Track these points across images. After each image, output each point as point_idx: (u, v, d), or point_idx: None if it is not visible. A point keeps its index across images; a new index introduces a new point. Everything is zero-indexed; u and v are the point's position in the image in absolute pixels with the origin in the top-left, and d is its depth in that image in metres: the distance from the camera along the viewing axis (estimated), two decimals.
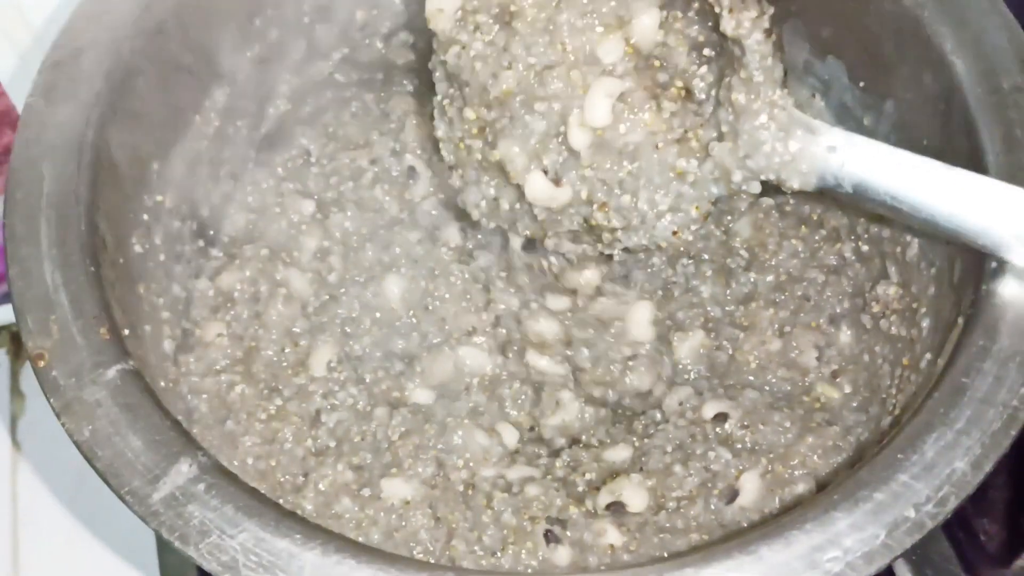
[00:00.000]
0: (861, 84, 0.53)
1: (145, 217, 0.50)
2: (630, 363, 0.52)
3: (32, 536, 0.67)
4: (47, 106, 0.45)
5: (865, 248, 0.54)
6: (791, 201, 0.57)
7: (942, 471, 0.37)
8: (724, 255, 0.57)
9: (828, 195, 0.44)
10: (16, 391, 0.73)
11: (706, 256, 0.56)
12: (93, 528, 0.67)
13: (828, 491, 0.37)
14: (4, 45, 0.61)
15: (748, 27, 0.43)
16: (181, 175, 0.53)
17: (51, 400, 0.39)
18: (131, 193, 0.49)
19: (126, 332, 0.42)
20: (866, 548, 0.35)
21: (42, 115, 0.45)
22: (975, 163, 0.44)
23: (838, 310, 0.54)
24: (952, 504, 0.36)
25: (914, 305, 0.49)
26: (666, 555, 0.46)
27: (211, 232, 0.55)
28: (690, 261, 0.56)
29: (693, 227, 0.46)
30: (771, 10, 0.43)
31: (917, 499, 0.36)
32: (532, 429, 0.52)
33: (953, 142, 0.46)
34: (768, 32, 0.43)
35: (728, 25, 0.43)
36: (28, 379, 0.73)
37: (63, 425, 0.38)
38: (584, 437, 0.51)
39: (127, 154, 0.48)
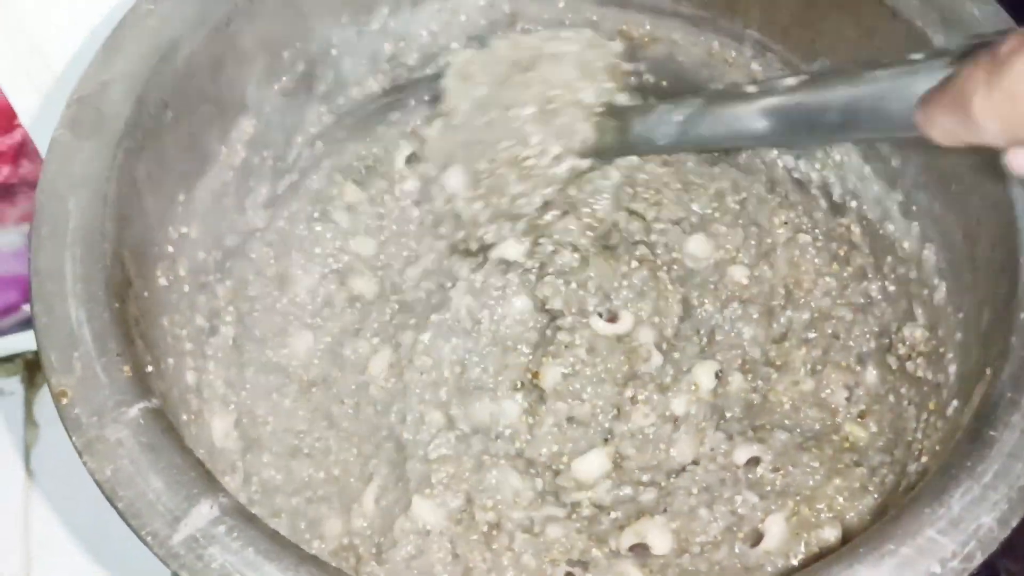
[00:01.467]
0: None
1: (170, 249, 0.50)
2: (674, 435, 0.53)
3: (45, 566, 0.69)
4: (73, 140, 0.45)
5: (892, 288, 0.54)
6: (820, 237, 0.58)
7: (968, 526, 0.37)
8: (769, 296, 0.57)
9: None
10: (30, 420, 0.74)
11: (756, 299, 0.57)
12: (107, 559, 0.69)
13: (854, 543, 0.37)
14: (26, 86, 0.62)
15: None
16: (207, 206, 0.53)
17: (73, 438, 0.39)
18: (156, 226, 0.49)
19: (149, 369, 0.43)
20: None
21: (68, 149, 0.45)
22: (1004, 206, 0.44)
23: (864, 349, 0.55)
24: (978, 560, 0.36)
25: (941, 349, 0.50)
26: None
27: (236, 262, 0.56)
28: (740, 305, 0.56)
29: None
30: None
31: (943, 554, 0.36)
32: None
33: (983, 185, 0.46)
34: None
35: None
36: (42, 408, 0.75)
37: (85, 464, 0.38)
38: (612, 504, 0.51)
39: (153, 187, 0.48)
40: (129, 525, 0.37)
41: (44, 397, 0.76)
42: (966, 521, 0.37)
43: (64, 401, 0.40)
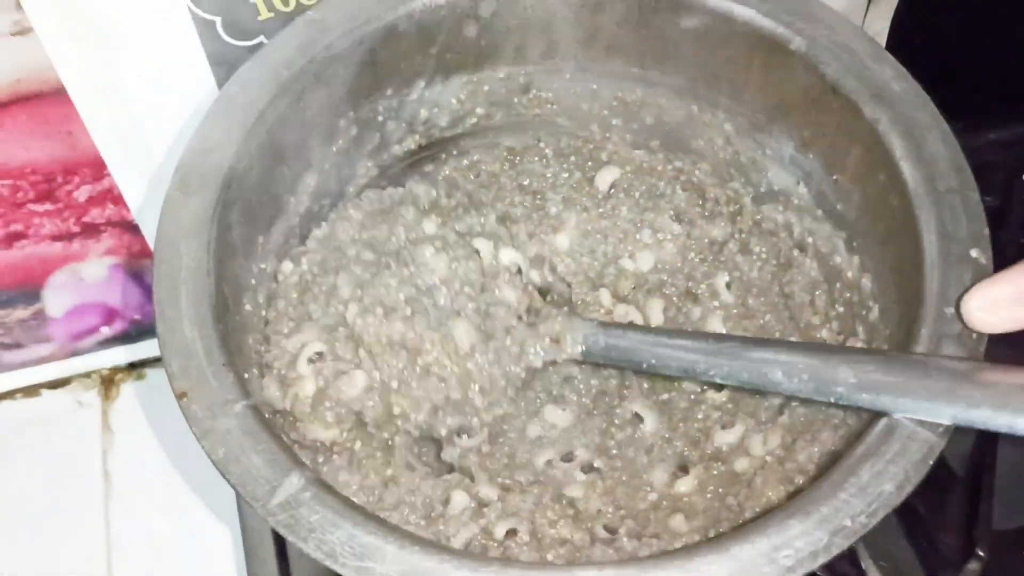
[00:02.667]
0: (835, 177, 0.60)
1: (252, 281, 0.58)
2: None
3: (124, 557, 0.76)
4: (182, 198, 0.53)
5: (840, 309, 0.61)
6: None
7: (874, 491, 0.45)
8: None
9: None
10: (107, 427, 0.81)
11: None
12: (179, 550, 0.76)
13: (787, 504, 0.46)
14: (136, 175, 0.70)
15: None
16: (279, 245, 0.61)
17: (193, 428, 0.48)
18: (243, 263, 0.57)
19: (246, 375, 0.51)
20: (812, 548, 0.44)
21: (179, 204, 0.53)
22: (916, 247, 0.52)
23: None
24: (880, 516, 0.44)
25: None
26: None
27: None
28: None
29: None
30: None
31: (853, 512, 0.44)
32: None
33: (902, 229, 0.54)
34: None
35: None
36: (117, 417, 0.82)
37: (203, 447, 0.47)
38: None
39: (241, 232, 0.56)
40: (238, 492, 0.46)
41: (118, 407, 0.82)
42: (872, 487, 0.45)
43: (184, 400, 0.48)
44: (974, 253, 0.51)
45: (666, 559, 0.45)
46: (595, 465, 0.61)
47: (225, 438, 0.48)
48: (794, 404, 0.60)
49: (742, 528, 0.45)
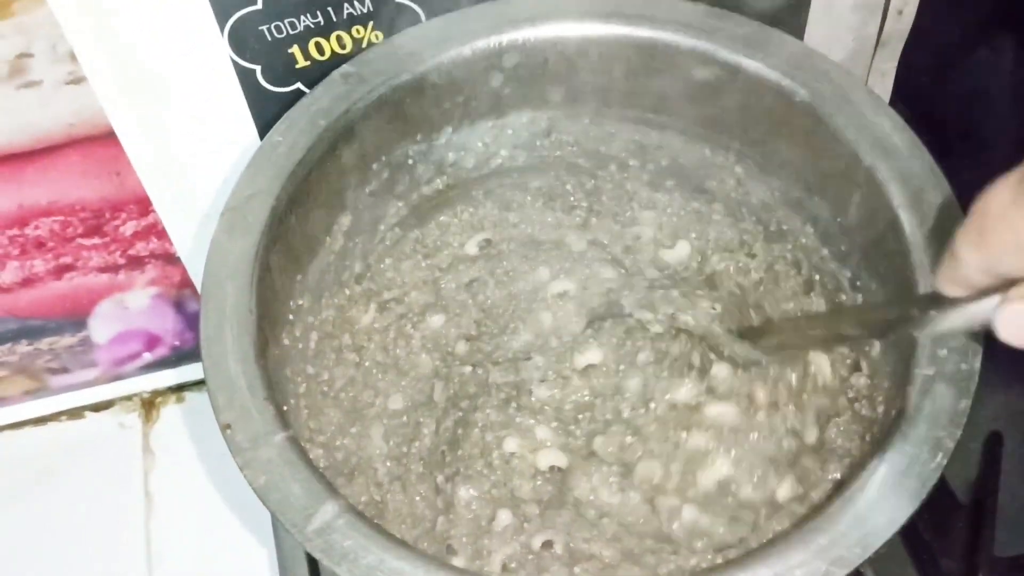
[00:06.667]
0: (839, 220, 0.62)
1: (291, 317, 0.61)
2: None
3: (165, 573, 0.77)
4: (228, 240, 0.57)
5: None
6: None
7: (868, 524, 0.48)
8: None
9: None
10: (147, 449, 0.83)
11: None
12: (217, 566, 0.77)
13: (789, 534, 0.48)
14: (178, 212, 0.74)
15: None
16: (315, 282, 0.63)
17: (236, 458, 0.51)
18: (283, 300, 0.60)
19: (285, 408, 0.54)
20: None
21: (224, 246, 0.56)
22: (910, 290, 0.55)
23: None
24: (873, 548, 0.47)
25: (875, 394, 0.60)
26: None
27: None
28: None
29: None
30: None
31: (849, 543, 0.47)
32: None
33: (898, 272, 0.56)
34: None
35: None
36: (157, 438, 0.84)
37: (245, 475, 0.50)
38: None
39: (281, 272, 0.59)
40: (277, 518, 0.49)
41: (158, 429, 0.84)
42: (867, 520, 0.47)
43: (228, 431, 0.51)
44: None
45: None
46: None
47: (266, 467, 0.51)
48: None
49: (746, 556, 0.48)
